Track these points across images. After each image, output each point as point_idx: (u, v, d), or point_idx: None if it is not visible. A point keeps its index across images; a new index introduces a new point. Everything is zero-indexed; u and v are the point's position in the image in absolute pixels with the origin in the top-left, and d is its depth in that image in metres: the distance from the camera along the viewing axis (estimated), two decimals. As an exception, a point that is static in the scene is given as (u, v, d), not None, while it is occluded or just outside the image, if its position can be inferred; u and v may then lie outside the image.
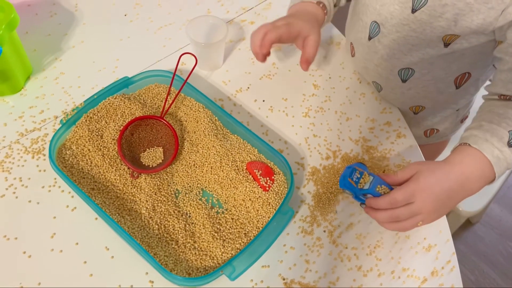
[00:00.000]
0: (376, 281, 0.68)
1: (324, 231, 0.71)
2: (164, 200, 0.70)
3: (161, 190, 0.71)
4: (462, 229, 1.60)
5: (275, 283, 0.66)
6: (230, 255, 0.65)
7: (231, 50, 0.92)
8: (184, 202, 0.70)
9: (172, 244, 0.66)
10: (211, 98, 0.79)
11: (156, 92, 0.81)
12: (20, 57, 0.81)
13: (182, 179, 0.73)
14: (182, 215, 0.69)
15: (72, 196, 0.71)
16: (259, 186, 0.70)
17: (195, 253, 0.65)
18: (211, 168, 0.73)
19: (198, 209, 0.69)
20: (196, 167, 0.73)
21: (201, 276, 0.63)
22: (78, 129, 0.73)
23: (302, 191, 0.75)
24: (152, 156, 0.74)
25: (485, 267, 1.54)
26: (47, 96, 0.82)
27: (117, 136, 0.73)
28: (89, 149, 0.72)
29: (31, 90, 0.83)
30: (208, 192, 0.72)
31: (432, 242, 0.72)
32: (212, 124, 0.76)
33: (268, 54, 0.75)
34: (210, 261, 0.65)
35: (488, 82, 0.76)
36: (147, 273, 0.65)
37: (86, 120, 0.74)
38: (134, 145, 0.75)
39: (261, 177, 0.71)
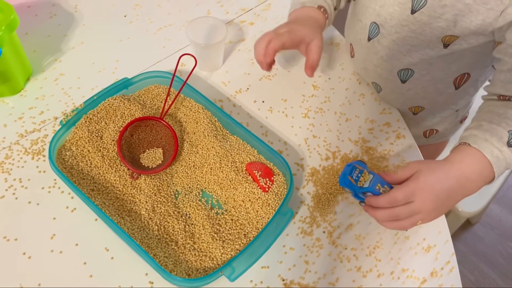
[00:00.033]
0: (376, 281, 0.68)
1: (324, 232, 0.71)
2: (164, 201, 0.70)
3: (160, 191, 0.71)
4: (462, 230, 1.61)
5: (274, 283, 0.66)
6: (230, 256, 0.65)
7: (231, 51, 0.92)
8: (184, 203, 0.70)
9: (171, 245, 0.66)
10: (210, 99, 0.79)
11: (155, 93, 0.81)
12: (20, 58, 0.81)
13: (182, 180, 0.73)
14: (181, 216, 0.69)
15: (72, 197, 0.71)
16: (258, 187, 0.70)
17: (195, 254, 0.66)
18: (211, 169, 0.73)
19: (197, 210, 0.69)
20: (196, 168, 0.74)
21: (200, 277, 0.63)
22: (78, 130, 0.73)
23: (302, 192, 0.75)
24: (152, 157, 0.75)
25: (485, 267, 1.54)
26: (47, 97, 0.82)
27: (117, 137, 0.73)
28: (88, 150, 0.72)
29: (31, 91, 0.83)
30: (208, 193, 0.72)
31: (431, 243, 0.72)
32: (212, 125, 0.76)
33: (273, 62, 0.75)
34: (209, 262, 0.65)
35: (487, 83, 0.76)
36: (146, 274, 0.65)
37: (85, 121, 0.74)
38: (133, 146, 0.75)
39: (260, 178, 0.71)
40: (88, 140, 0.73)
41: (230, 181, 0.71)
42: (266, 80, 0.88)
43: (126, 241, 0.64)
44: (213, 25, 0.87)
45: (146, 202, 0.69)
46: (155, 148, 0.76)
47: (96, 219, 0.69)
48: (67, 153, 0.72)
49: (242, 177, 0.71)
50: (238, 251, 0.66)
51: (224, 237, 0.67)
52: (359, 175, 0.67)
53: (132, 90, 0.81)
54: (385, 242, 0.71)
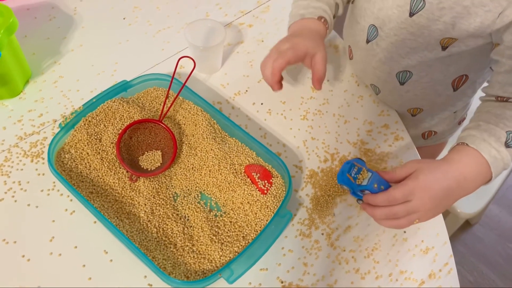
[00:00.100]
0: (374, 283, 0.68)
1: (322, 234, 0.72)
2: (163, 204, 0.70)
3: (159, 193, 0.71)
4: (461, 230, 1.61)
5: (273, 286, 0.66)
6: (228, 258, 0.65)
7: (230, 53, 0.92)
8: (183, 205, 0.70)
9: (170, 247, 0.66)
10: (209, 101, 0.79)
11: (154, 95, 0.81)
12: (19, 61, 0.81)
13: (181, 182, 0.73)
14: (180, 218, 0.69)
15: (71, 200, 0.71)
16: (257, 189, 0.71)
17: (194, 256, 0.66)
18: (210, 171, 0.73)
19: (196, 212, 0.69)
20: (195, 170, 0.74)
21: (199, 279, 0.63)
22: (77, 132, 0.74)
23: (300, 194, 0.75)
24: (151, 159, 0.75)
25: (484, 268, 1.54)
26: (46, 100, 0.82)
27: (116, 140, 0.73)
28: (87, 153, 0.72)
29: (30, 94, 0.83)
30: (207, 195, 0.72)
31: (429, 244, 0.72)
32: (211, 127, 0.76)
33: (281, 79, 0.74)
34: (208, 264, 0.65)
35: (485, 84, 0.76)
36: (145, 276, 0.65)
37: (85, 124, 0.74)
38: (132, 148, 0.75)
39: (259, 180, 0.71)
40: (87, 143, 0.73)
41: (229, 183, 0.72)
42: (264, 83, 0.88)
43: (125, 243, 0.64)
44: (211, 27, 0.87)
45: (145, 204, 0.69)
46: (154, 150, 0.76)
47: (95, 222, 0.69)
48: (66, 155, 0.72)
49: (241, 179, 0.71)
50: (236, 253, 0.66)
51: (223, 239, 0.67)
52: (358, 172, 0.67)
53: (131, 92, 0.81)
54: (383, 244, 0.71)
